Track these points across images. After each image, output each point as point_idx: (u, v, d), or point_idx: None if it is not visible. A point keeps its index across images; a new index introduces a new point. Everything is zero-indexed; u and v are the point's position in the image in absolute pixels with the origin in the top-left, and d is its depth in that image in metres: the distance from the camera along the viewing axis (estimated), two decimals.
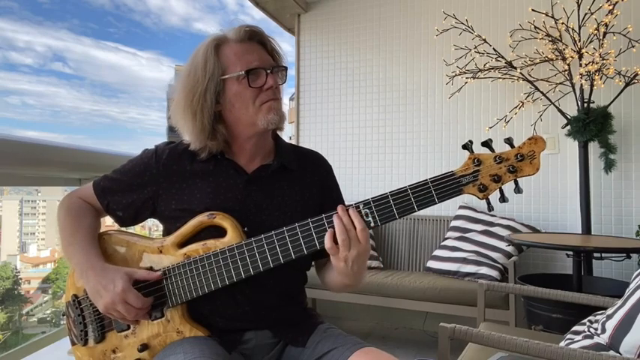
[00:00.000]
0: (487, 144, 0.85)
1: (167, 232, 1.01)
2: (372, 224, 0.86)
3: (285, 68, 1.01)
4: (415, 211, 0.84)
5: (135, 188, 1.01)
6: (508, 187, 0.86)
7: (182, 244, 0.96)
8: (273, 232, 0.89)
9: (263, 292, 0.97)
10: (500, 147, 0.86)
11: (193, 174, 1.00)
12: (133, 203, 1.01)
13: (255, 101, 0.96)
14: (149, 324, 0.95)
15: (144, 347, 0.95)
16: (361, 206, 0.86)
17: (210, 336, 0.95)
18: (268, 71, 0.97)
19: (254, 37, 0.99)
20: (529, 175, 0.84)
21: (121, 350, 0.97)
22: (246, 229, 0.94)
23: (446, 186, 0.84)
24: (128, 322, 0.94)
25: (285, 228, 0.88)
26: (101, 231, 1.04)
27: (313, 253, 0.90)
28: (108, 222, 1.10)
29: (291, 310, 1.03)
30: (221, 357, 0.87)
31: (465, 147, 0.85)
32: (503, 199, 0.86)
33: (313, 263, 1.11)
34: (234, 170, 1.00)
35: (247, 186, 1.00)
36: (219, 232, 0.94)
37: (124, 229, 1.08)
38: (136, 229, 1.20)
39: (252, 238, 0.90)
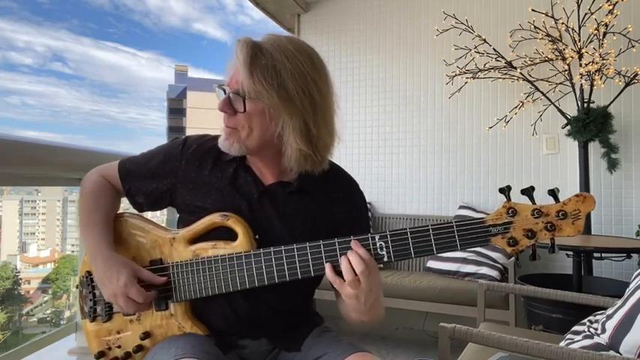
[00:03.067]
0: (528, 192, 0.76)
1: (183, 223, 1.01)
2: (386, 259, 0.81)
3: (240, 96, 0.87)
4: (433, 254, 0.80)
5: (156, 176, 1.00)
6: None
7: (193, 241, 0.97)
8: (282, 248, 0.87)
9: (260, 307, 0.95)
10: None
11: (213, 174, 0.98)
12: (152, 192, 1.01)
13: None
14: (153, 314, 0.97)
15: (146, 335, 0.97)
16: (377, 237, 0.81)
17: (208, 335, 0.95)
18: (225, 97, 0.90)
19: (233, 52, 0.89)
20: (568, 236, 0.75)
21: (125, 333, 0.99)
22: (257, 236, 0.93)
23: (472, 233, 0.77)
24: (130, 312, 0.96)
25: (295, 245, 0.86)
26: (119, 212, 1.06)
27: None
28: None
29: (287, 322, 1.01)
30: (212, 356, 0.87)
31: (501, 191, 0.77)
32: (534, 256, 0.77)
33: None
34: (252, 178, 0.98)
35: (261, 198, 0.96)
36: (230, 234, 0.93)
37: (141, 214, 1.08)
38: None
39: (262, 250, 0.89)
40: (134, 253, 1.00)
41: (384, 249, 0.81)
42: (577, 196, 0.74)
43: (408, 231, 0.79)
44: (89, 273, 1.04)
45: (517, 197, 0.78)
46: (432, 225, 0.78)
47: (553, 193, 0.75)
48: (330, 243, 0.84)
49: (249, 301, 0.94)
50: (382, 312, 0.90)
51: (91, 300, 1.03)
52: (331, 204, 0.98)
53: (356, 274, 0.80)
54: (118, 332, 1.00)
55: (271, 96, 0.85)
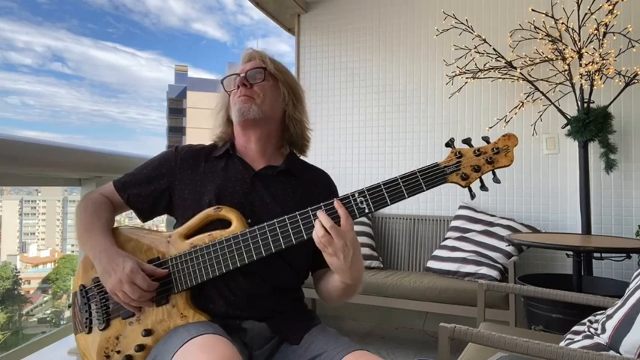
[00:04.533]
0: (467, 141, 0.95)
1: (179, 224, 1.07)
2: (367, 210, 0.93)
3: (262, 68, 1.12)
4: (405, 198, 0.91)
5: (153, 179, 1.10)
6: (487, 179, 0.96)
7: (189, 236, 1.02)
8: (275, 220, 0.95)
9: (256, 283, 1.01)
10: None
11: (207, 168, 1.11)
12: (151, 194, 1.10)
13: (234, 103, 1.12)
14: (154, 310, 0.99)
15: (148, 332, 0.97)
16: (356, 194, 0.93)
17: (212, 320, 0.98)
18: (242, 75, 1.11)
19: (248, 58, 1.17)
20: (505, 167, 0.94)
21: (125, 336, 0.99)
22: (249, 220, 1.01)
23: (432, 175, 0.93)
24: (132, 307, 0.97)
25: (286, 216, 0.95)
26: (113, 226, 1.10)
27: (312, 262, 1.03)
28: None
29: (284, 303, 1.06)
30: (224, 336, 0.90)
31: (447, 144, 0.95)
32: (483, 187, 0.95)
33: (312, 275, 1.16)
34: (242, 166, 1.11)
35: (253, 181, 1.09)
36: (225, 225, 1.00)
37: (132, 224, 1.14)
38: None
39: (256, 227, 0.96)
40: None
41: (364, 203, 0.93)
42: (504, 135, 0.94)
43: (381, 183, 0.93)
44: (84, 286, 1.06)
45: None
46: (399, 175, 0.93)
47: (486, 138, 0.96)
48: (317, 207, 0.94)
49: (246, 278, 1.00)
50: (362, 274, 0.99)
51: (86, 311, 1.04)
52: (314, 187, 1.15)
53: (327, 232, 0.89)
54: (117, 337, 1.00)
55: (285, 74, 1.15)
